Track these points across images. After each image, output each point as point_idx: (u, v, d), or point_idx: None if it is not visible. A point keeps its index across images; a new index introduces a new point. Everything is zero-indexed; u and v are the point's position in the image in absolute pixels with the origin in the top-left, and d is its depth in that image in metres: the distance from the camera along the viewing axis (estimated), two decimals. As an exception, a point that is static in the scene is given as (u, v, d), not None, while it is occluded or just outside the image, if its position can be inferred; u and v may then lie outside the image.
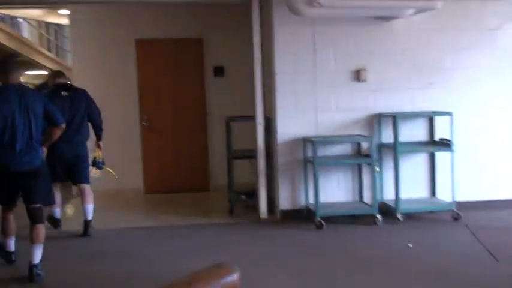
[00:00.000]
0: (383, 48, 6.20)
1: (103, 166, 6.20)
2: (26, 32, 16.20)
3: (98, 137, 6.05)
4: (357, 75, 6.18)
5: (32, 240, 4.36)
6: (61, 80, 6.07)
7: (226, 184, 6.86)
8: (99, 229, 5.96)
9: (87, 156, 5.93)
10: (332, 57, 6.14)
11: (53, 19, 14.43)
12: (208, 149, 8.22)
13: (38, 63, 15.00)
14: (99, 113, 5.99)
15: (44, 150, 4.80)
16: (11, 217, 4.65)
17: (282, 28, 6.02)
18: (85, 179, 5.89)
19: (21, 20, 13.95)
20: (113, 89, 7.97)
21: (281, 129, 6.13)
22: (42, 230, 4.43)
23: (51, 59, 15.67)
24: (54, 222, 6.04)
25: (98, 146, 6.06)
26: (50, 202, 4.84)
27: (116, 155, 7.98)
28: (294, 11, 5.40)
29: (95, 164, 6.11)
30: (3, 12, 11.57)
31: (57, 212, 6.05)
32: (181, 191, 8.00)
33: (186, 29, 8.02)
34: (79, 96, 5.89)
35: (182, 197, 7.80)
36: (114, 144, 7.96)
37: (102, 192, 7.87)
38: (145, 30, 7.97)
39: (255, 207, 6.35)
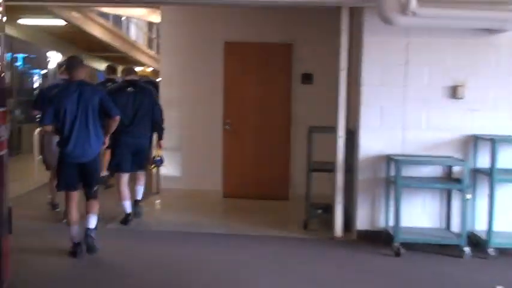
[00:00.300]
0: (485, 64, 5.62)
1: (161, 164, 6.63)
2: (132, 31, 16.81)
3: (159, 136, 6.45)
4: (453, 92, 5.64)
5: (87, 211, 5.09)
6: (131, 77, 6.39)
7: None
8: (168, 231, 5.98)
9: (149, 150, 6.38)
10: (426, 71, 5.65)
11: (155, 18, 14.90)
12: (290, 157, 7.97)
13: (139, 60, 15.55)
14: (161, 112, 6.40)
15: (106, 141, 5.20)
16: (74, 202, 5.09)
17: (372, 37, 5.63)
18: (142, 167, 6.40)
19: (124, 18, 14.45)
20: (198, 89, 7.95)
21: (364, 144, 5.75)
22: (96, 203, 5.13)
23: (152, 57, 16.13)
24: (125, 217, 6.25)
25: (159, 145, 6.48)
26: (100, 181, 5.35)
27: (197, 155, 7.99)
28: (385, 19, 5.00)
29: (153, 161, 6.56)
30: (108, 11, 12.00)
31: (128, 205, 6.25)
32: (259, 197, 7.81)
33: (275, 34, 7.81)
34: (144, 93, 6.27)
35: (259, 204, 7.61)
36: (195, 144, 7.99)
37: (181, 191, 7.93)
38: (235, 32, 7.87)
39: (331, 224, 6.01)
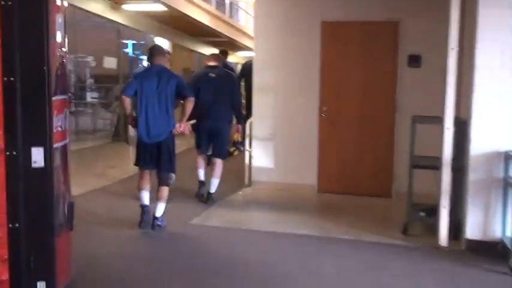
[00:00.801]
0: None
1: (243, 148, 6.90)
2: (241, 15, 16.56)
3: (237, 120, 6.95)
4: None
5: (157, 198, 5.38)
6: (212, 63, 6.67)
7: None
8: (247, 229, 5.57)
9: (227, 134, 6.56)
10: (559, 50, 4.60)
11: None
12: (393, 149, 7.13)
13: (247, 46, 15.26)
14: (239, 98, 6.89)
15: (182, 125, 5.38)
16: (147, 176, 5.47)
17: (489, 9, 4.67)
18: (220, 154, 6.54)
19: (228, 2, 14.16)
20: (292, 74, 7.36)
21: (477, 138, 4.83)
22: (165, 190, 5.38)
23: None
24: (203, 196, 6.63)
25: (236, 129, 7.00)
26: (172, 171, 5.48)
27: (291, 146, 7.44)
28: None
29: (235, 145, 7.26)
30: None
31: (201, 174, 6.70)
32: (358, 193, 7.11)
33: (379, 11, 6.98)
34: (225, 79, 6.59)
35: (357, 201, 6.91)
36: (289, 134, 7.43)
37: (273, 185, 7.43)
38: (333, 10, 7.15)
39: (435, 229, 5.17)
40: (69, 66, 20.56)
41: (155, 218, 5.36)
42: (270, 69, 7.44)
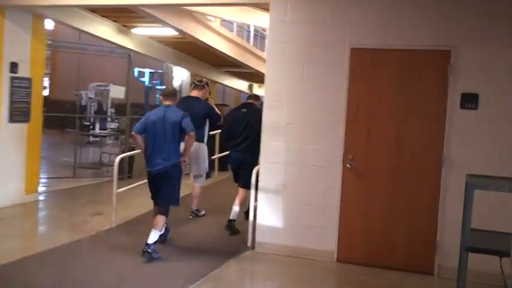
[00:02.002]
0: None
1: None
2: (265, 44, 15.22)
3: None
4: None
5: (153, 225, 5.63)
6: (248, 100, 7.46)
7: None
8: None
9: (251, 165, 6.24)
10: None
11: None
12: (438, 214, 5.50)
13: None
14: None
15: (184, 158, 5.83)
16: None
17: None
18: (244, 184, 6.68)
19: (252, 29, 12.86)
20: (311, 112, 5.86)
21: None
22: (161, 219, 5.66)
23: None
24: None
25: None
26: (171, 202, 5.80)
27: (305, 201, 5.92)
28: None
29: None
30: (231, 18, 10.47)
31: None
32: (388, 266, 5.53)
33: (425, 36, 5.47)
34: (254, 114, 6.82)
35: (389, 278, 5.31)
36: (304, 187, 5.91)
37: (279, 249, 5.88)
38: (365, 35, 5.66)
39: None
40: (90, 95, 19.80)
41: (147, 244, 5.47)
42: (283, 105, 5.98)
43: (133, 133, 5.80)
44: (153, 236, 5.51)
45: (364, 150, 5.68)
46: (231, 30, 11.05)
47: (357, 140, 5.70)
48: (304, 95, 5.90)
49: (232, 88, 16.30)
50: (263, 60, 12.45)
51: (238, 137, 6.93)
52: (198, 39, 9.51)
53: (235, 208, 6.72)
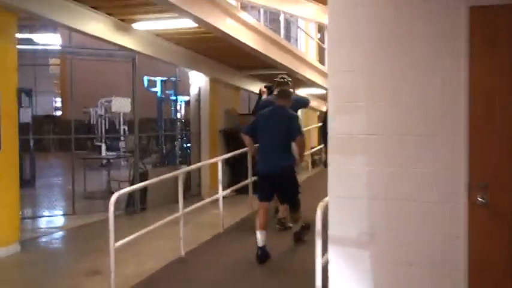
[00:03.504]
0: None
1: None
2: (300, 40, 13.02)
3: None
4: None
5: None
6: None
7: None
8: None
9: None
10: None
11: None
12: None
13: (310, 80, 11.65)
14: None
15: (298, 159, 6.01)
16: (263, 210, 5.77)
17: None
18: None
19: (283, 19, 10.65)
20: (410, 112, 3.60)
21: None
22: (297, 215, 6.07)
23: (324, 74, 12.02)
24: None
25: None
26: (296, 195, 5.95)
27: (404, 259, 3.68)
28: None
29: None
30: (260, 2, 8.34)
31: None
32: None
33: None
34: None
35: None
36: (402, 235, 3.68)
37: None
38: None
39: None
40: (100, 111, 17.82)
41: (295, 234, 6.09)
42: (359, 106, 3.76)
43: (242, 133, 5.85)
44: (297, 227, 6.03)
45: (507, 173, 3.42)
46: (256, 19, 8.87)
47: (493, 156, 3.44)
48: (395, 87, 3.66)
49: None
50: (296, 56, 10.26)
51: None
52: (221, 31, 7.39)
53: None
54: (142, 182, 9.35)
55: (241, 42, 7.93)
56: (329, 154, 3.88)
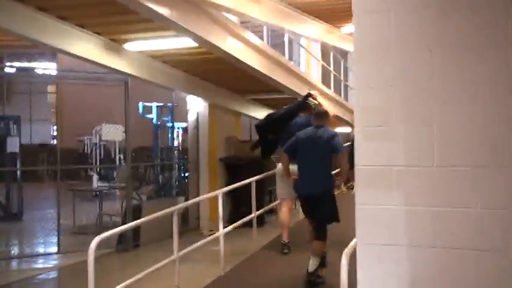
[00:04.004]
0: None
1: None
2: (302, 61, 12.39)
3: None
4: None
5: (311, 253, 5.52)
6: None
7: None
8: None
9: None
10: None
11: (334, 41, 10.33)
12: None
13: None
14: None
15: (340, 180, 6.31)
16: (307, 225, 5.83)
17: None
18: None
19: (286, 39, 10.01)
20: (462, 135, 2.88)
21: None
22: (320, 245, 5.46)
23: (329, 98, 11.23)
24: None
25: None
26: (334, 220, 5.57)
27: None
28: None
29: None
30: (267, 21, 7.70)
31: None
32: None
33: None
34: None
35: None
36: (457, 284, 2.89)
37: None
38: None
39: None
40: (95, 139, 17.10)
41: (309, 273, 5.33)
42: (394, 130, 3.03)
43: (281, 152, 5.85)
44: (314, 263, 5.37)
45: None
46: (259, 37, 8.20)
47: None
48: (440, 105, 2.93)
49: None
50: (300, 78, 9.59)
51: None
52: (223, 51, 6.72)
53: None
54: (135, 216, 8.59)
55: (244, 63, 7.25)
56: (357, 190, 3.13)
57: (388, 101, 3.04)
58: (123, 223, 8.63)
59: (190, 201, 6.83)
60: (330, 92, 10.86)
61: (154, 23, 6.22)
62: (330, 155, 5.51)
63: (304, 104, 6.85)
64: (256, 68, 7.59)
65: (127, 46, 7.28)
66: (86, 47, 6.85)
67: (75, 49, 6.79)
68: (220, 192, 6.69)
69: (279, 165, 6.49)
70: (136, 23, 6.46)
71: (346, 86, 13.07)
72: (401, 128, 2.98)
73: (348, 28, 10.34)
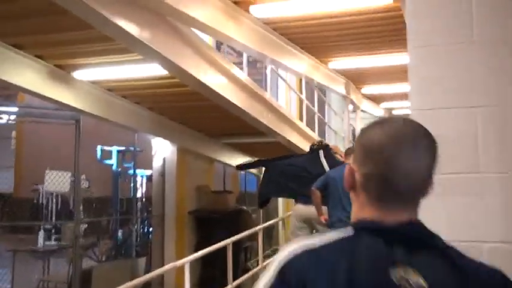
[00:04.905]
0: None
1: None
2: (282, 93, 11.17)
3: None
4: None
5: None
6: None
7: None
8: None
9: None
10: None
11: (320, 78, 9.12)
12: None
13: (291, 143, 9.52)
14: None
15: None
16: None
17: None
18: None
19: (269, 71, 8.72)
20: None
21: None
22: None
23: (307, 138, 9.71)
24: None
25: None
26: None
27: None
28: None
29: None
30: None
31: None
32: None
33: None
34: None
35: None
36: None
37: None
38: None
39: None
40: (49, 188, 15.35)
41: None
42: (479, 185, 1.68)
43: (313, 188, 5.59)
44: None
45: None
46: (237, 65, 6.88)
47: None
48: None
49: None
50: (282, 116, 8.28)
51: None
52: (198, 83, 5.40)
53: None
54: (84, 283, 7.02)
55: (223, 98, 5.91)
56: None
57: (464, 150, 1.72)
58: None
59: (152, 273, 5.32)
60: (305, 127, 9.55)
61: (110, 44, 4.91)
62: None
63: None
64: (237, 104, 6.26)
65: (76, 75, 5.88)
66: (23, 74, 5.43)
67: (15, 79, 5.39)
68: (187, 261, 5.21)
69: (301, 207, 6.26)
70: (87, 44, 5.10)
71: (322, 122, 11.80)
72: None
73: (336, 63, 9.18)
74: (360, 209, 1.15)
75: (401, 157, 1.09)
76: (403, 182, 1.10)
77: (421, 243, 1.09)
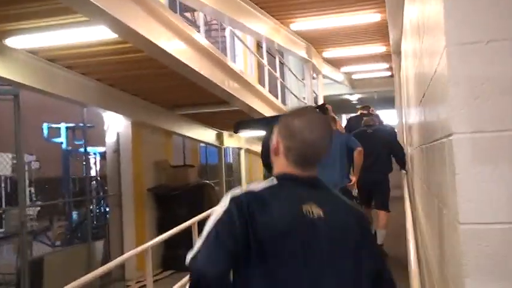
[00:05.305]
0: None
1: None
2: (239, 58, 10.55)
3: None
4: None
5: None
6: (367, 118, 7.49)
7: None
8: None
9: (386, 186, 6.85)
10: None
11: (278, 39, 8.58)
12: None
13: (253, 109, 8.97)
14: (400, 150, 6.97)
15: (353, 178, 6.08)
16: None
17: None
18: (381, 205, 6.75)
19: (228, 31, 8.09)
20: None
21: None
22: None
23: (268, 102, 9.16)
24: None
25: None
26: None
27: None
28: None
29: None
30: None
31: None
32: None
33: None
34: (381, 132, 7.49)
35: None
36: None
37: None
38: None
39: None
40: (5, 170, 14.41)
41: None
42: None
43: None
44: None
45: None
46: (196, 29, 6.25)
47: None
48: None
49: (197, 140, 11.39)
50: (247, 85, 7.73)
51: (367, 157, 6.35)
52: (153, 46, 4.76)
53: (382, 232, 6.60)
54: (35, 273, 6.40)
55: (182, 64, 5.30)
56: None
57: None
58: (18, 285, 6.40)
59: (111, 263, 4.74)
60: (267, 93, 9.03)
61: (49, 3, 4.23)
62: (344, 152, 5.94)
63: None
64: (198, 71, 5.67)
65: (9, 42, 5.13)
66: None
67: None
68: (148, 246, 4.66)
69: None
70: (21, 4, 4.38)
71: (283, 86, 11.28)
72: None
73: (298, 25, 8.66)
74: (282, 168, 1.71)
75: (310, 138, 1.67)
76: (310, 153, 1.70)
77: (320, 188, 1.74)
